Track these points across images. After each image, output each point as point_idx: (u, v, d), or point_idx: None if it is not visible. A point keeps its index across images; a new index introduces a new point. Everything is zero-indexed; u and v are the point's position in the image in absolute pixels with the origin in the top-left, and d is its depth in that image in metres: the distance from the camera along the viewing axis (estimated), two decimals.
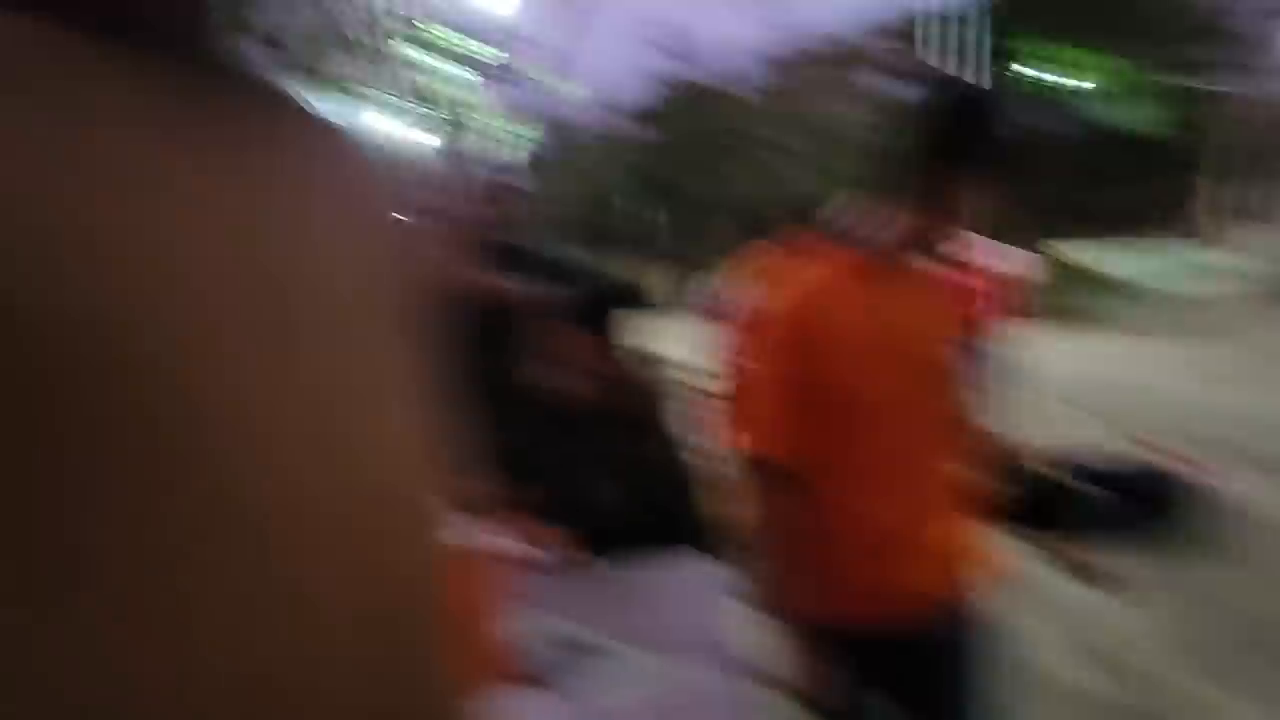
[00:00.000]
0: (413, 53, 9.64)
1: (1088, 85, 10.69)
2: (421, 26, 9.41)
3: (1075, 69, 10.52)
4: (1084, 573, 1.40)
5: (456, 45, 9.73)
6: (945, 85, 0.97)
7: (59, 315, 0.23)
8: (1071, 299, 8.12)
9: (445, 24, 9.55)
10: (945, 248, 0.94)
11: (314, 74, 8.49)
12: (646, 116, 19.05)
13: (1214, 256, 9.76)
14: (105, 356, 0.24)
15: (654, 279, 8.91)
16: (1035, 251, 2.41)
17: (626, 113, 19.74)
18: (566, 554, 1.16)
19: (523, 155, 10.65)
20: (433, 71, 9.81)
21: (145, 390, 0.25)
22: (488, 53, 9.76)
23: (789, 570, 0.92)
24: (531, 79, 11.73)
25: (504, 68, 10.94)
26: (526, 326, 1.35)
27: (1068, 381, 4.52)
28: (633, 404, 1.31)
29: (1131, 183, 11.57)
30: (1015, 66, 10.26)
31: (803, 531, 0.91)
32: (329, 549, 0.29)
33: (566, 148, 19.06)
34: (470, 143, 10.15)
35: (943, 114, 0.86)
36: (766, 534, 0.93)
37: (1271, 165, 11.59)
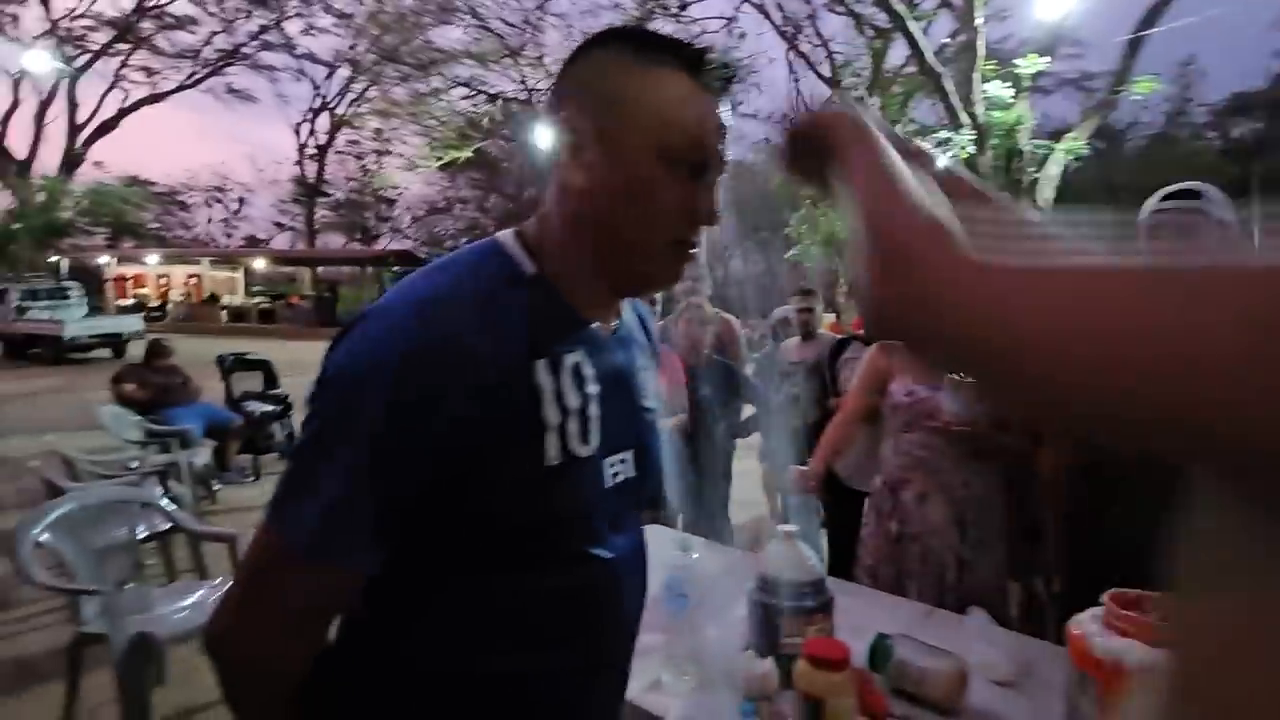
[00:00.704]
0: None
1: None
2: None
3: None
4: None
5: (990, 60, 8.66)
6: None
7: None
8: None
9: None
10: None
11: None
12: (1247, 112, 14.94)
13: None
14: None
15: None
16: None
17: (1219, 111, 15.84)
18: None
19: (1056, 170, 8.89)
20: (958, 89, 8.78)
21: None
22: (1028, 62, 8.45)
23: None
24: (1084, 86, 10.12)
25: (1047, 76, 9.65)
26: None
27: None
28: None
29: None
30: None
31: None
32: None
33: (1114, 160, 16.26)
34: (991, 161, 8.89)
35: None
36: None
37: None
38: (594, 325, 0.69)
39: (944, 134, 9.90)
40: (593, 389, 0.66)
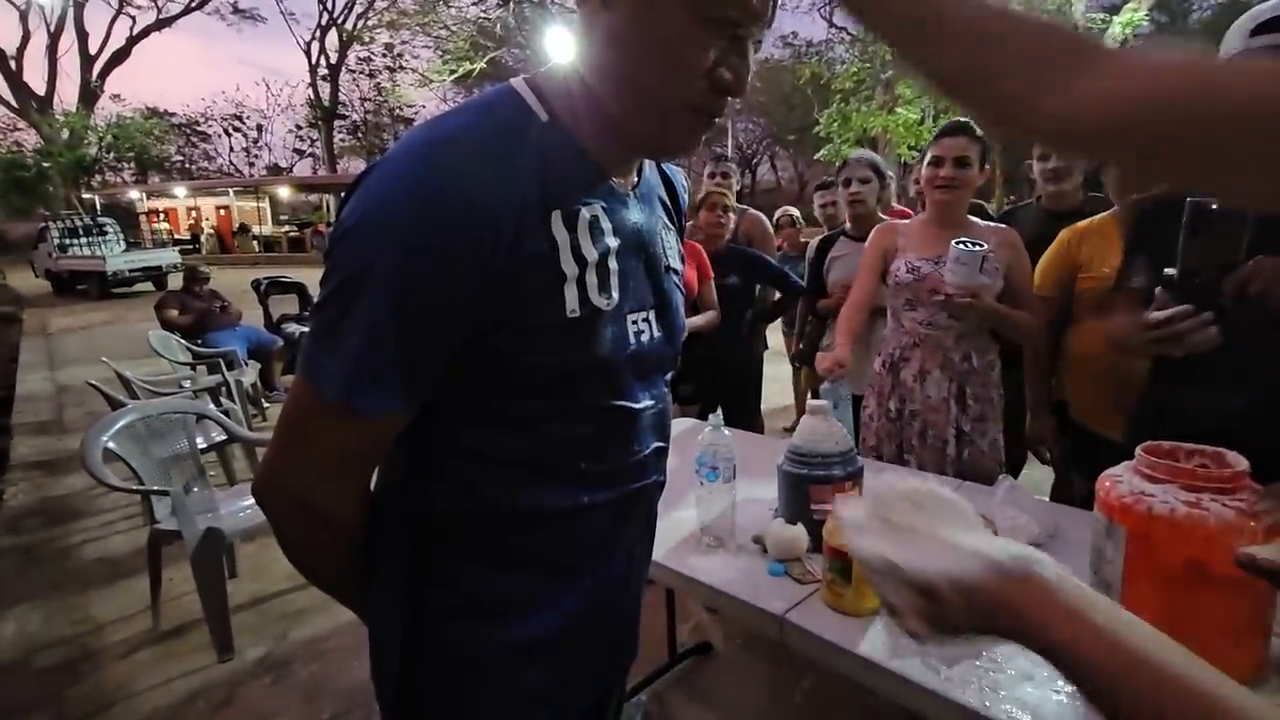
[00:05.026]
0: None
1: None
2: None
3: None
4: None
5: None
6: None
7: None
8: None
9: None
10: None
11: None
12: None
13: None
14: None
15: None
16: None
17: None
18: None
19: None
20: None
21: None
22: None
23: None
24: None
25: None
26: None
27: None
28: None
29: None
30: None
31: None
32: None
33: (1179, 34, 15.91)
34: None
35: None
36: None
37: None
38: (612, 181, 0.66)
39: None
40: (612, 242, 0.64)
